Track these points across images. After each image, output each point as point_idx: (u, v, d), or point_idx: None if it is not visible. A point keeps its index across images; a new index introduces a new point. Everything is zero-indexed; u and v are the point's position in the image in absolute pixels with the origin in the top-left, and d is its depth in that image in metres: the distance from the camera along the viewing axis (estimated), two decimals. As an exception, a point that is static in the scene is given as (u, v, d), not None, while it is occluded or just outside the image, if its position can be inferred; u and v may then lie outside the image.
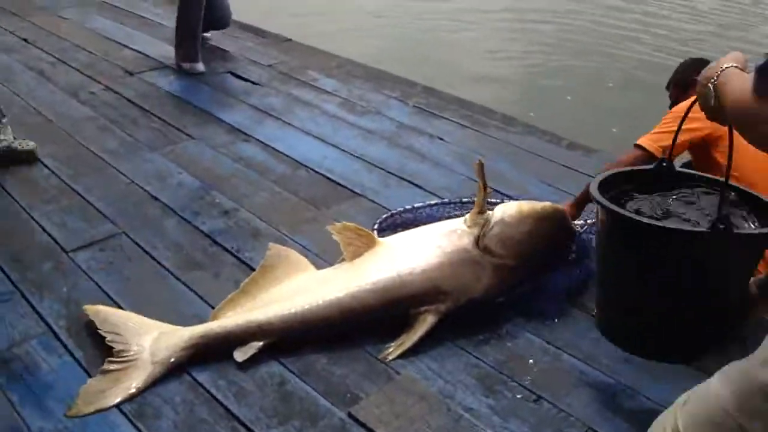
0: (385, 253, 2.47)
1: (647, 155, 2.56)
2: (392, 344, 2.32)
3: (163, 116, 3.99)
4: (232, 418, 2.06)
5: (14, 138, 3.35)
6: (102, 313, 2.39)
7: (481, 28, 7.97)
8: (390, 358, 2.27)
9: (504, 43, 7.54)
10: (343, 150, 3.69)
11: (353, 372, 2.24)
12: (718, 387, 1.28)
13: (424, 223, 2.72)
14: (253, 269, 2.62)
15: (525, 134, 3.92)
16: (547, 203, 2.57)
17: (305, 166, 3.52)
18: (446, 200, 3.05)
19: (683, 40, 7.94)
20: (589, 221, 2.72)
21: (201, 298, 2.55)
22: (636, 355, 2.07)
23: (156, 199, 3.18)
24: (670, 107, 3.06)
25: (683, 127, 2.27)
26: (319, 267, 2.61)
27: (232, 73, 4.65)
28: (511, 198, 2.97)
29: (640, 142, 2.64)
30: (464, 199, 3.00)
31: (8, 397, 2.11)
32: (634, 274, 1.85)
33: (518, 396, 2.15)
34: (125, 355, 2.23)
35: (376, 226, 2.86)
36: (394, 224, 2.91)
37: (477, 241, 2.42)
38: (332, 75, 4.69)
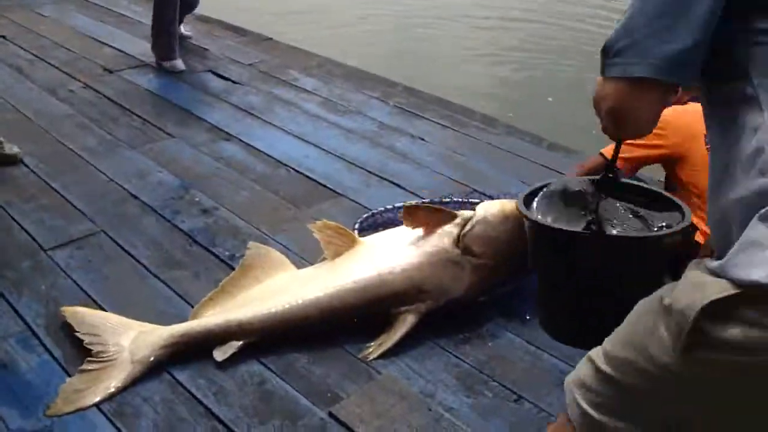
0: (365, 253, 2.47)
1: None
2: (372, 344, 2.33)
3: (142, 114, 3.97)
4: (212, 418, 2.06)
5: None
6: (79, 314, 2.37)
7: (463, 27, 7.98)
8: (371, 357, 2.28)
9: (485, 43, 7.56)
10: (324, 149, 3.69)
11: (334, 371, 2.24)
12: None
13: (405, 223, 2.73)
14: (233, 268, 2.62)
15: (505, 135, 3.94)
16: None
17: (286, 165, 3.51)
18: (427, 200, 3.05)
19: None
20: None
21: (181, 297, 2.54)
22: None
23: (135, 197, 3.17)
24: None
25: (644, 142, 2.24)
26: (299, 266, 2.61)
27: (213, 72, 4.63)
28: (491, 198, 2.98)
29: (603, 150, 2.61)
30: (445, 199, 3.02)
31: (-15, 397, 2.09)
32: (542, 272, 1.80)
33: (499, 395, 2.17)
34: (104, 355, 2.22)
35: (357, 226, 2.86)
36: (375, 224, 2.91)
37: (457, 240, 2.43)
38: (313, 74, 4.69)
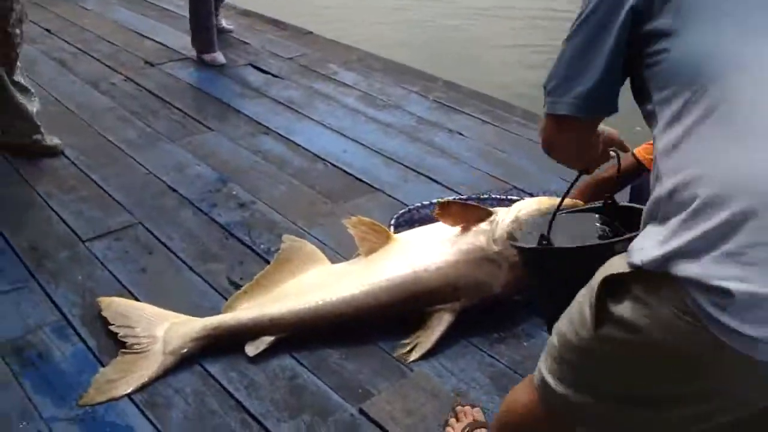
0: (400, 250, 2.44)
1: (638, 165, 2.44)
2: (407, 342, 2.30)
3: (182, 108, 3.99)
4: (243, 411, 2.05)
5: (39, 122, 3.36)
6: (115, 304, 2.39)
7: (505, 21, 7.89)
8: (410, 360, 2.24)
9: (527, 37, 7.46)
10: (362, 144, 3.66)
11: (366, 367, 2.22)
12: None
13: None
14: (269, 262, 2.61)
15: (546, 131, 3.86)
16: (567, 199, 2.52)
17: (323, 159, 3.50)
18: (464, 197, 3.01)
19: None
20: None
21: (215, 290, 2.54)
22: None
23: (173, 190, 3.18)
24: None
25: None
26: (334, 261, 2.59)
27: (253, 66, 4.64)
28: (531, 195, 2.93)
29: (635, 151, 2.52)
30: (483, 196, 2.97)
31: (21, 384, 2.11)
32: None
33: (533, 396, 2.12)
34: (137, 346, 2.23)
35: (392, 222, 2.83)
36: (411, 220, 2.88)
37: (494, 238, 2.38)
38: (352, 68, 4.67)
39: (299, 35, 5.29)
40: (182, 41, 4.85)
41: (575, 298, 1.33)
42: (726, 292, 1.04)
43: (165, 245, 2.78)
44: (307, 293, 2.35)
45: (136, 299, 2.45)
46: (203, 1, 4.49)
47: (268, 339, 2.25)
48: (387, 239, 2.50)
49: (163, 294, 2.48)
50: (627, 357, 1.22)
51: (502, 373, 2.21)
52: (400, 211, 2.92)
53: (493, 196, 2.99)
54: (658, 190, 1.16)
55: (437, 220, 2.53)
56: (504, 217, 2.40)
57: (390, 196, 3.18)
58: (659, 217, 1.15)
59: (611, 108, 1.32)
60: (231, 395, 2.10)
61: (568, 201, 1.85)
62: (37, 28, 5.06)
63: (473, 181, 3.30)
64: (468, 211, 2.46)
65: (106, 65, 4.55)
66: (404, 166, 3.45)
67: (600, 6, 1.24)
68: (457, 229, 2.44)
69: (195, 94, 4.24)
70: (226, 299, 2.45)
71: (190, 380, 2.16)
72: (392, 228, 2.78)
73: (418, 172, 3.39)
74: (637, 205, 1.87)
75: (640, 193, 2.34)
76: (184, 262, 2.69)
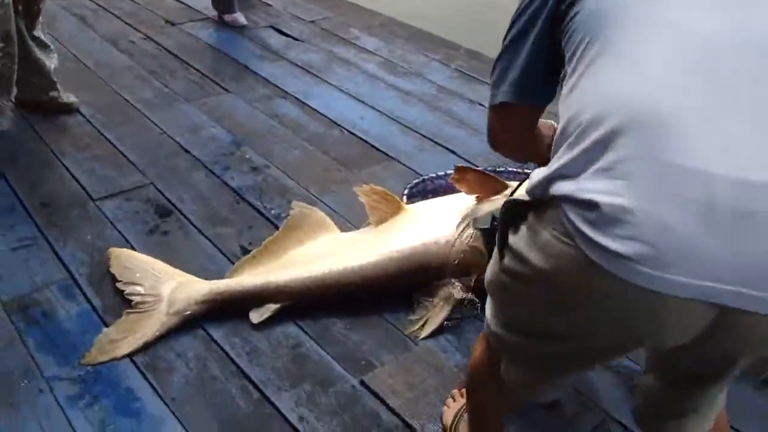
0: (411, 221, 2.40)
1: None
2: (417, 317, 2.26)
3: (201, 68, 3.95)
4: (244, 377, 2.04)
5: (56, 79, 3.34)
6: (124, 256, 2.40)
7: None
8: (422, 336, 2.20)
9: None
10: (380, 111, 3.60)
11: (370, 339, 2.20)
12: None
13: (455, 191, 2.63)
14: (279, 227, 2.59)
15: (569, 104, 3.78)
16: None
17: (340, 125, 3.45)
18: (480, 168, 2.95)
19: None
20: None
21: (223, 254, 2.52)
22: None
23: (187, 151, 3.15)
24: None
25: None
26: (344, 229, 2.56)
27: (274, 28, 4.57)
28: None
29: None
30: (499, 168, 2.91)
31: (25, 342, 2.11)
32: None
33: (538, 374, 2.08)
34: (142, 306, 2.22)
35: (406, 191, 2.79)
36: (425, 190, 2.83)
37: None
38: (375, 34, 4.59)
39: (322, -3, 5.21)
40: (203, 1, 4.78)
41: None
42: (594, 205, 1.04)
43: (175, 207, 2.76)
44: (315, 261, 2.32)
45: (144, 260, 2.44)
46: None
47: (272, 306, 2.23)
48: (398, 209, 2.45)
49: (171, 256, 2.46)
50: (522, 288, 1.24)
51: (509, 349, 2.17)
52: (414, 181, 2.88)
53: (510, 168, 2.93)
54: (557, 132, 1.19)
55: (451, 192, 2.48)
56: (517, 189, 2.34)
57: (405, 165, 3.13)
58: (554, 153, 1.18)
59: (542, 95, 1.39)
60: (233, 361, 2.09)
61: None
62: (58, -17, 5.02)
63: (490, 153, 3.21)
64: (484, 181, 2.40)
65: (127, 23, 4.51)
66: (421, 135, 3.39)
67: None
68: (470, 201, 2.39)
69: (214, 55, 4.19)
70: (234, 264, 2.43)
71: (193, 345, 2.14)
72: (405, 198, 2.73)
73: (435, 142, 3.34)
74: None
75: None
76: (193, 225, 2.67)
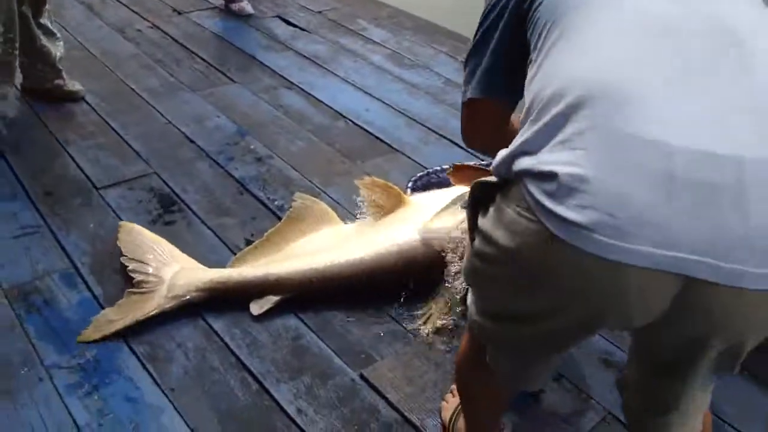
0: (413, 214, 2.39)
1: None
2: (422, 312, 2.25)
3: (206, 58, 3.94)
4: (243, 369, 2.04)
5: (61, 67, 3.33)
6: (135, 232, 2.42)
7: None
8: (426, 331, 2.19)
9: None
10: (385, 103, 3.59)
11: (371, 332, 2.19)
12: None
13: (460, 185, 2.62)
14: (281, 219, 2.58)
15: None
16: None
17: (345, 117, 3.43)
18: (484, 162, 2.93)
19: None
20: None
21: (225, 244, 2.52)
22: None
23: (191, 141, 3.15)
24: None
25: None
26: (347, 221, 2.55)
27: (281, 18, 4.56)
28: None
29: None
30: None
31: (25, 329, 2.11)
32: None
33: (538, 370, 2.07)
34: (144, 286, 2.23)
35: (410, 184, 2.78)
36: (428, 183, 2.81)
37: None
38: (382, 25, 4.56)
39: (330, -12, 5.18)
40: (211, -11, 4.78)
41: None
42: (552, 176, 1.03)
43: (179, 197, 2.76)
44: (317, 254, 2.31)
45: (146, 250, 2.43)
46: None
47: (273, 298, 2.22)
48: (400, 202, 2.44)
49: (173, 246, 2.45)
50: (492, 270, 1.23)
51: (510, 345, 2.16)
52: (418, 174, 2.86)
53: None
54: (522, 114, 1.20)
55: (454, 185, 2.46)
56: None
57: (410, 158, 3.12)
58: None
59: (509, 89, 1.40)
60: (232, 352, 2.09)
61: None
62: (66, -29, 5.01)
63: (496, 147, 3.21)
64: (480, 175, 2.38)
65: (134, 11, 4.49)
66: (427, 128, 3.38)
67: None
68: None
69: (220, 45, 4.18)
70: (235, 254, 2.43)
71: (193, 335, 2.14)
72: (409, 190, 2.72)
73: (441, 135, 3.32)
74: None
75: None
76: (196, 215, 2.66)
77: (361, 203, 2.52)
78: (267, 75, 3.82)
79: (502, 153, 1.18)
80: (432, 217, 2.29)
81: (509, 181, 1.16)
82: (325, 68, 3.93)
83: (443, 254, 2.22)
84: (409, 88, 3.76)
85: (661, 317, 1.10)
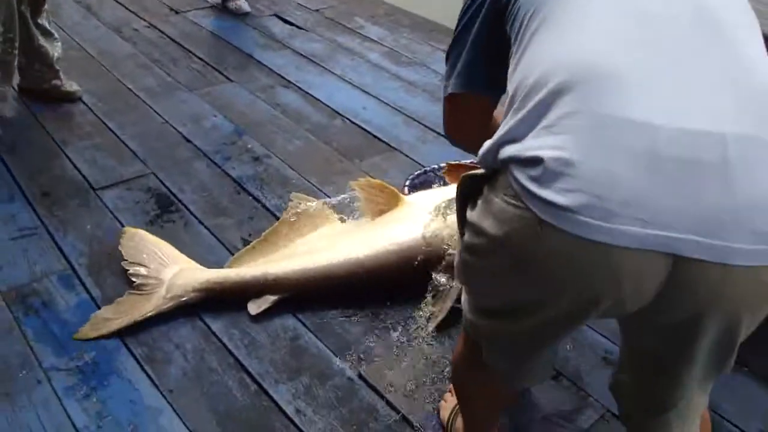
0: (410, 213, 2.39)
1: None
2: (422, 312, 2.23)
3: (203, 57, 3.93)
4: (241, 370, 2.04)
5: (58, 68, 3.32)
6: (137, 238, 2.43)
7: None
8: (427, 330, 2.18)
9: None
10: (383, 101, 3.58)
11: (369, 332, 2.19)
12: None
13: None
14: (279, 218, 2.58)
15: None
16: None
17: (342, 115, 3.43)
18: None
19: None
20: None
21: (223, 244, 2.52)
22: None
23: (188, 141, 3.14)
24: None
25: None
26: (345, 221, 2.54)
27: (278, 16, 4.55)
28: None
29: None
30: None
31: (23, 331, 2.12)
32: None
33: (537, 369, 2.07)
34: (144, 288, 2.23)
35: (407, 183, 2.78)
36: (426, 181, 2.81)
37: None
38: (379, 23, 4.56)
39: (327, -15, 5.17)
40: (208, -12, 4.77)
41: None
42: (538, 161, 1.04)
43: (176, 197, 2.76)
44: (314, 253, 2.32)
45: (143, 251, 2.43)
46: None
47: (271, 298, 2.22)
48: (396, 201, 2.44)
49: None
50: (482, 263, 1.22)
51: (508, 343, 2.16)
52: (416, 173, 2.86)
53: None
54: (506, 103, 1.20)
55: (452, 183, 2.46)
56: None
57: (407, 156, 3.12)
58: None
59: (489, 83, 1.40)
60: (231, 353, 2.09)
61: None
62: (63, -29, 5.00)
63: (494, 145, 3.21)
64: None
65: (131, 11, 4.48)
66: (424, 126, 3.37)
67: None
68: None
69: (217, 44, 4.17)
70: (233, 254, 2.43)
71: (191, 336, 2.14)
72: (406, 189, 2.72)
73: (438, 133, 3.31)
74: None
75: None
76: (194, 215, 2.66)
77: (356, 204, 2.52)
78: (264, 74, 3.81)
79: (488, 143, 1.18)
80: (429, 215, 2.28)
81: (497, 171, 1.16)
82: (323, 66, 3.93)
83: (441, 253, 2.21)
84: (406, 86, 3.76)
85: (653, 301, 1.10)
